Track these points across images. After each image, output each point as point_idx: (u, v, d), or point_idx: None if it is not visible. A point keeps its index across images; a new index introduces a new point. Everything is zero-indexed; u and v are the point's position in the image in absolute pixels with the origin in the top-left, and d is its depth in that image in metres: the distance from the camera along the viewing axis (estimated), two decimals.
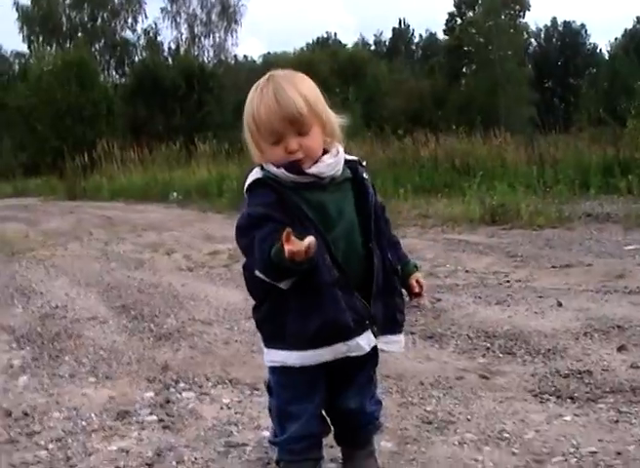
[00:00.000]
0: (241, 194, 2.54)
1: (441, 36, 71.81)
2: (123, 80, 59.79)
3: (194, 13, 62.52)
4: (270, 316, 2.53)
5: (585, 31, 74.75)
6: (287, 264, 2.25)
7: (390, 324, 2.64)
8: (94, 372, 4.59)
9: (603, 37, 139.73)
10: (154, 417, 3.72)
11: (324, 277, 2.41)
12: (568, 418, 3.44)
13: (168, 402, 3.95)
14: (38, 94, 42.23)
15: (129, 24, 62.89)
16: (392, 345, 2.68)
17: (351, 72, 55.74)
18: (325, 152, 2.53)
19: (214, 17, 62.37)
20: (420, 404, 3.73)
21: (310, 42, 73.60)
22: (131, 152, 25.64)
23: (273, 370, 2.62)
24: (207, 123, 42.67)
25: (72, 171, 25.53)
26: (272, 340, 2.56)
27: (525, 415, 3.49)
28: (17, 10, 58.43)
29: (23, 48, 61.07)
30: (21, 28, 58.88)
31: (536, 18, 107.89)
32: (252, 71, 58.74)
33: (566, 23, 75.11)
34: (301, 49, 69.06)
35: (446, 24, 67.47)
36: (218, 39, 62.77)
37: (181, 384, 4.26)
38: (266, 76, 2.53)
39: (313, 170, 2.46)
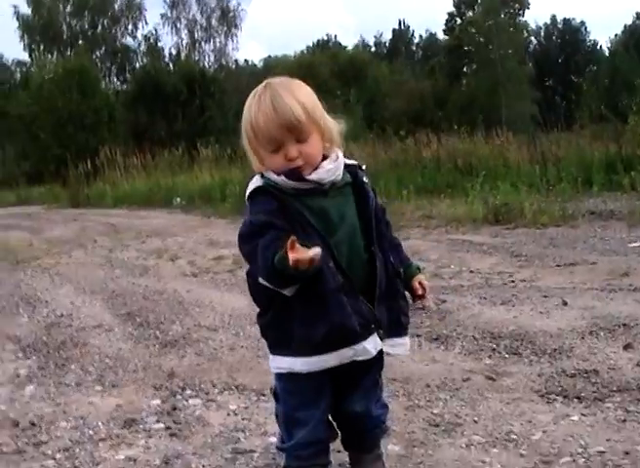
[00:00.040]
0: (244, 199, 2.54)
1: (441, 36, 71.94)
2: (124, 86, 59.93)
3: (194, 18, 62.67)
4: (275, 323, 2.52)
5: (585, 28, 74.82)
6: (291, 272, 2.24)
7: (395, 327, 2.64)
8: (100, 381, 4.59)
9: (603, 33, 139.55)
10: (161, 425, 3.72)
11: (328, 283, 2.41)
12: (575, 418, 3.43)
13: (174, 409, 3.95)
14: (40, 102, 42.36)
15: (129, 31, 63.11)
16: (398, 348, 2.67)
17: (352, 74, 55.79)
18: (324, 158, 2.53)
19: (214, 22, 62.50)
20: (426, 406, 3.73)
21: (310, 45, 73.74)
22: (133, 158, 25.67)
23: (279, 376, 2.61)
24: (209, 128, 42.70)
25: (75, 178, 25.56)
26: (278, 347, 2.56)
27: (532, 416, 3.48)
28: (17, 19, 58.64)
29: (25, 56, 61.32)
30: (22, 37, 59.05)
31: (535, 16, 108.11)
32: (253, 75, 58.84)
33: (565, 21, 75.15)
34: (302, 52, 69.34)
35: (446, 24, 67.53)
36: (218, 44, 62.95)
37: (188, 391, 4.26)
38: (263, 84, 2.53)
39: (314, 176, 2.46)
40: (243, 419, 3.73)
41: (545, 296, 5.84)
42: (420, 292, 2.74)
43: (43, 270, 9.49)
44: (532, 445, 3.17)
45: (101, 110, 43.44)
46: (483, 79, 58.39)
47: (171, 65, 57.78)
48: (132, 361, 4.98)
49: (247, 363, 4.72)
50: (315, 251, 2.22)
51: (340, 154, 2.58)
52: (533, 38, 73.39)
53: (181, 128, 45.48)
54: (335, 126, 2.58)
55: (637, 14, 68.59)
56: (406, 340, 2.70)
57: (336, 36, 76.86)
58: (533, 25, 70.51)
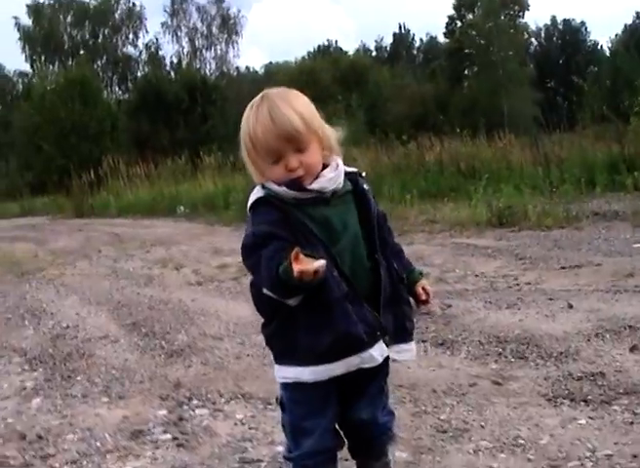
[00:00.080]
0: (247, 207, 2.54)
1: (442, 39, 71.79)
2: (126, 96, 60.00)
3: (195, 26, 62.91)
4: (280, 332, 2.52)
5: (585, 28, 74.69)
6: (295, 283, 2.24)
7: (401, 333, 2.63)
8: (106, 392, 4.59)
9: (603, 33, 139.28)
10: (168, 436, 3.72)
11: (333, 292, 2.41)
12: (582, 422, 3.43)
13: (181, 419, 3.96)
14: (42, 113, 42.39)
15: (130, 40, 63.36)
16: (404, 354, 2.67)
17: (353, 79, 55.78)
18: (324, 166, 2.53)
19: (214, 29, 62.71)
20: (433, 412, 3.73)
21: (311, 50, 73.66)
22: (137, 168, 25.69)
23: (285, 386, 2.60)
24: (211, 135, 42.73)
25: (79, 188, 25.58)
26: (283, 357, 2.55)
27: (539, 420, 3.48)
28: (18, 30, 58.80)
29: (26, 67, 61.56)
30: (24, 48, 59.23)
31: (535, 17, 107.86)
32: (254, 82, 58.92)
33: (566, 21, 75.04)
34: (303, 57, 69.28)
35: (446, 27, 67.46)
36: (219, 51, 63.21)
37: (194, 401, 4.26)
38: (260, 95, 2.52)
39: (315, 185, 2.46)
40: (250, 429, 3.73)
41: (551, 299, 5.84)
42: (423, 297, 2.73)
43: (48, 281, 9.50)
44: (539, 449, 3.17)
45: (104, 120, 43.49)
46: (484, 81, 58.35)
47: (172, 74, 57.92)
48: (138, 371, 4.98)
49: (253, 371, 4.72)
50: (320, 262, 2.22)
51: (340, 162, 2.57)
52: (533, 39, 73.33)
53: (184, 136, 45.47)
54: (333, 134, 2.58)
55: (637, 13, 68.63)
56: (412, 346, 2.69)
57: (336, 41, 76.65)
58: (533, 27, 70.48)
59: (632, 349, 4.41)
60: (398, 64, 70.29)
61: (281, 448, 3.16)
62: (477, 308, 5.80)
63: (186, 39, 63.05)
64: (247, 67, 74.18)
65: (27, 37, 58.85)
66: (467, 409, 3.72)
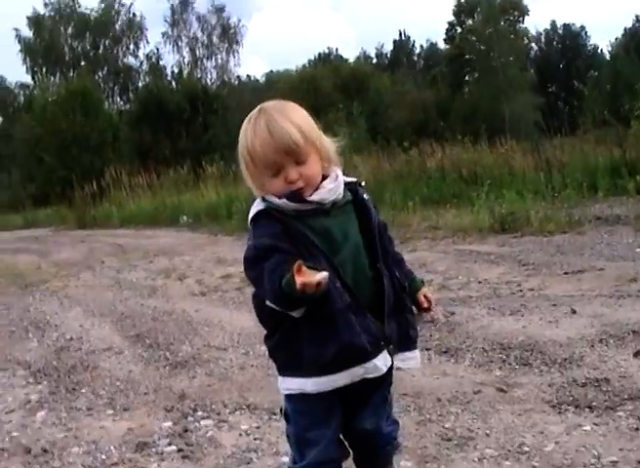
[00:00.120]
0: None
1: (442, 45, 71.88)
2: (128, 106, 60.03)
3: (195, 36, 62.94)
4: (283, 344, 2.52)
5: (585, 33, 74.70)
6: (298, 295, 2.24)
7: (405, 341, 2.64)
8: (111, 404, 4.59)
9: (603, 37, 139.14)
10: (173, 447, 3.73)
11: (336, 302, 2.41)
12: (587, 428, 3.43)
13: (186, 431, 3.96)
14: (44, 124, 42.42)
15: (131, 50, 63.34)
16: (409, 362, 2.68)
17: (354, 86, 55.76)
18: (324, 177, 2.53)
19: (215, 39, 62.76)
20: (438, 421, 3.73)
21: (312, 58, 73.70)
22: (139, 178, 25.67)
23: (289, 397, 2.61)
24: (213, 145, 42.67)
25: (81, 199, 25.60)
26: (287, 368, 2.55)
27: (544, 427, 3.48)
28: (19, 42, 58.88)
29: (27, 79, 61.63)
30: (25, 60, 59.30)
31: (535, 22, 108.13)
32: (255, 90, 59.05)
33: (565, 26, 75.03)
34: (304, 66, 69.28)
35: (446, 34, 67.51)
36: (220, 60, 63.20)
37: (199, 412, 4.26)
38: (257, 108, 2.53)
39: (315, 197, 2.47)
40: (255, 439, 3.73)
41: (554, 305, 5.84)
42: (425, 305, 2.74)
43: (52, 293, 9.51)
44: (544, 456, 3.16)
45: (105, 131, 43.47)
46: (485, 87, 58.35)
47: (173, 84, 57.86)
48: (142, 383, 4.98)
49: (257, 382, 4.72)
50: (322, 274, 2.23)
51: (340, 173, 2.58)
52: (533, 44, 73.37)
53: (186, 146, 45.49)
54: (331, 145, 2.58)
55: (637, 16, 68.63)
56: (416, 354, 2.70)
57: (337, 49, 76.76)
58: (533, 32, 70.49)
59: (636, 354, 4.41)
60: (399, 71, 70.30)
61: (286, 459, 3.17)
62: (481, 315, 5.80)
63: (187, 49, 63.17)
64: (248, 76, 74.41)
65: (28, 49, 58.92)
66: (472, 417, 3.72)
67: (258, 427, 3.91)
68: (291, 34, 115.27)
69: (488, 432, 3.50)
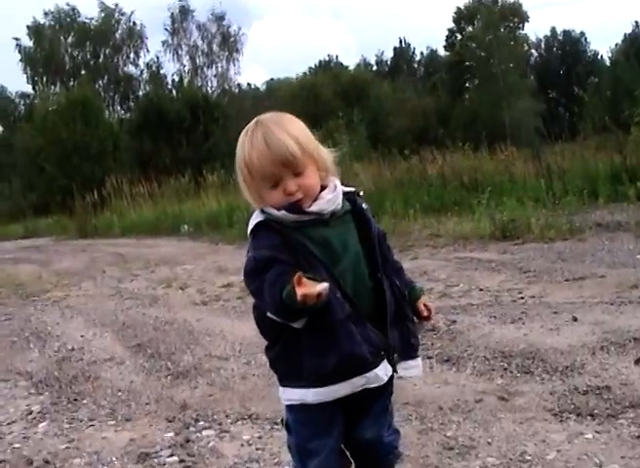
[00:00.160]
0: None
1: (442, 52, 71.99)
2: (128, 115, 60.04)
3: (195, 44, 62.95)
4: (284, 355, 2.52)
5: (585, 39, 74.77)
6: (299, 306, 2.25)
7: (407, 349, 2.64)
8: (113, 415, 4.59)
9: (603, 43, 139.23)
10: (175, 458, 3.73)
11: (337, 313, 2.41)
12: (589, 436, 3.43)
13: (188, 441, 3.96)
14: (44, 134, 42.44)
15: (131, 59, 63.35)
16: (411, 370, 2.68)
17: (354, 94, 55.83)
18: (322, 188, 2.54)
19: (215, 47, 62.78)
20: (440, 429, 3.73)
21: (312, 66, 73.72)
22: (140, 187, 25.65)
23: (290, 407, 2.61)
24: (214, 153, 42.65)
25: (82, 209, 25.57)
26: (288, 379, 2.56)
27: (546, 436, 3.48)
28: (19, 51, 58.93)
29: (28, 89, 61.59)
30: (25, 69, 59.35)
31: (535, 28, 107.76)
32: (256, 98, 59.10)
33: (565, 32, 75.10)
34: (304, 73, 69.34)
35: (446, 40, 67.68)
36: (220, 69, 63.18)
37: (201, 422, 4.26)
38: (254, 120, 2.53)
39: (314, 208, 2.47)
40: (257, 449, 3.73)
41: (555, 312, 5.84)
42: (425, 313, 2.75)
43: (53, 303, 9.51)
44: (546, 465, 3.17)
45: (106, 140, 43.46)
46: (485, 94, 58.41)
47: (174, 92, 57.90)
48: (144, 393, 4.98)
49: (259, 391, 4.72)
50: (323, 285, 2.23)
51: (338, 183, 2.58)
52: (533, 51, 73.49)
53: (186, 154, 45.48)
54: (328, 155, 2.59)
55: (636, 22, 68.71)
56: (418, 362, 2.71)
57: (337, 56, 76.43)
58: (533, 38, 70.64)
59: (637, 362, 4.41)
60: (399, 78, 70.38)
61: None
62: (482, 323, 5.79)
63: (187, 57, 63.20)
64: (248, 84, 74.33)
65: (28, 58, 58.98)
66: (474, 426, 3.71)
67: (259, 437, 3.90)
68: (291, 42, 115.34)
69: (490, 441, 3.50)
